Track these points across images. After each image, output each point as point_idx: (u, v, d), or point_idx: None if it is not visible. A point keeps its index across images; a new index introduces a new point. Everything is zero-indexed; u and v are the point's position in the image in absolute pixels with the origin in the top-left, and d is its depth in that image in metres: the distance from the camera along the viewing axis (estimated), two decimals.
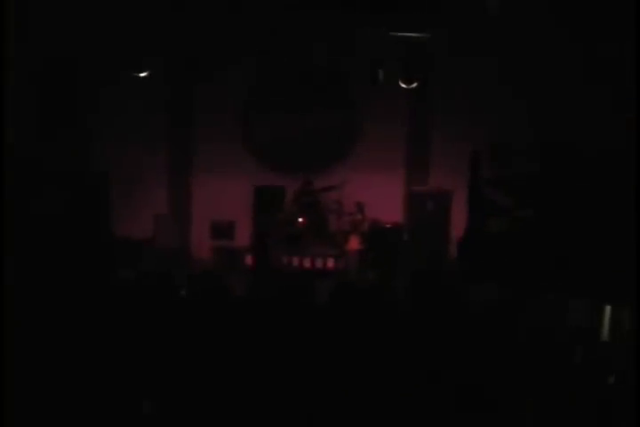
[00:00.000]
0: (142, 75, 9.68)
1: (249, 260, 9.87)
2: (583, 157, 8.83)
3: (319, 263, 9.83)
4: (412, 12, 9.08)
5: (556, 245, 8.34)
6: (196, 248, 10.63)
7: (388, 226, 10.18)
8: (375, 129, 10.67)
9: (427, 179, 10.84)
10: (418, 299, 5.29)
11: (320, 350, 4.35)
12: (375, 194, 10.26)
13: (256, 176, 10.80)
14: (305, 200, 10.36)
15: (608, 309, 4.88)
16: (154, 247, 10.06)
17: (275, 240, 9.96)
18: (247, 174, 10.76)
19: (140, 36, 9.43)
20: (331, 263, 9.84)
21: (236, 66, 10.23)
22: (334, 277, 9.17)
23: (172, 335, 4.46)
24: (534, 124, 9.79)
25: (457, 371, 4.22)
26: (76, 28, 9.16)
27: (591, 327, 4.84)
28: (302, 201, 10.36)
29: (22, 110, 8.55)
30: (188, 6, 9.13)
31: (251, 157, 10.93)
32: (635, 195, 6.38)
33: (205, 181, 10.88)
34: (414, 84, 9.98)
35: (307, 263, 9.80)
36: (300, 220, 10.14)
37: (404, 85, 9.98)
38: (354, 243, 10.03)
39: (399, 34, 9.52)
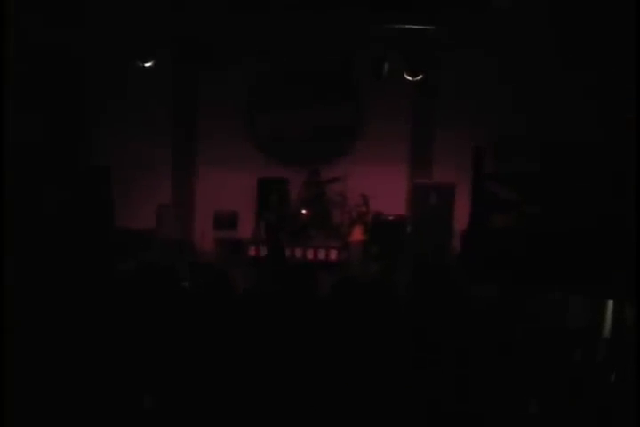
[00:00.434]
0: (147, 65, 9.64)
1: (252, 251, 9.89)
2: (584, 154, 8.82)
3: (322, 255, 9.83)
4: (418, 7, 9.04)
5: (558, 240, 8.34)
6: (199, 239, 10.65)
7: (391, 218, 10.18)
8: (379, 123, 10.67)
9: (430, 172, 10.83)
10: (420, 292, 5.29)
11: (322, 342, 4.36)
12: (379, 187, 10.26)
13: (259, 168, 10.81)
14: (312, 191, 10.38)
15: (610, 305, 4.88)
16: (157, 238, 10.07)
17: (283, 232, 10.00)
18: (250, 166, 10.77)
19: (145, 25, 9.41)
20: (334, 255, 9.85)
21: (240, 61, 10.23)
22: (337, 269, 9.18)
23: (174, 327, 4.47)
24: (536, 121, 9.76)
25: (457, 365, 4.23)
26: (80, 21, 9.14)
27: (592, 324, 4.84)
28: (310, 192, 10.37)
29: (24, 104, 8.53)
30: None
31: (254, 150, 10.95)
32: (635, 193, 6.37)
33: (208, 172, 10.89)
34: (419, 77, 9.94)
35: (310, 255, 9.81)
36: (304, 211, 10.15)
37: (409, 78, 9.94)
38: (357, 235, 10.03)
39: (404, 26, 9.48)
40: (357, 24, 9.32)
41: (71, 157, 10.07)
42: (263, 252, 9.77)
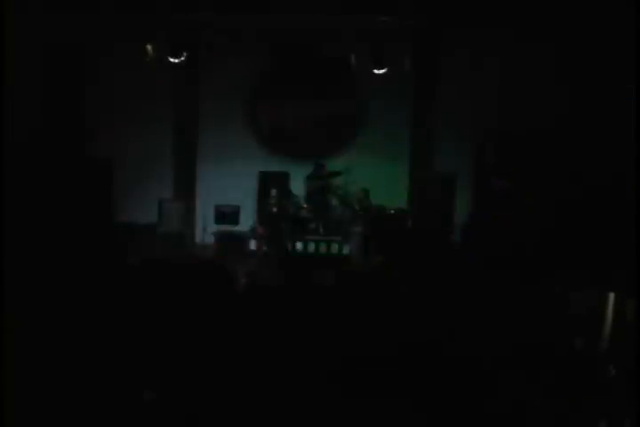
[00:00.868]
0: (150, 57, 9.62)
1: (253, 245, 9.89)
2: (585, 149, 8.81)
3: (323, 249, 9.83)
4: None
5: (559, 232, 8.35)
6: (201, 233, 10.64)
7: (392, 212, 10.18)
8: (380, 116, 10.66)
9: (431, 166, 10.83)
10: (420, 285, 5.30)
11: (322, 334, 4.37)
12: (380, 180, 10.24)
13: (261, 162, 10.81)
14: (315, 185, 10.39)
15: (611, 298, 4.89)
16: (158, 233, 10.07)
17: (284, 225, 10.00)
18: (252, 160, 10.77)
19: (148, 16, 9.41)
20: (335, 249, 9.84)
21: (242, 52, 10.23)
22: (338, 262, 9.18)
23: (176, 320, 4.48)
24: (536, 114, 9.74)
25: (458, 357, 4.24)
26: (82, 10, 9.13)
27: (593, 317, 4.84)
28: (314, 185, 10.38)
29: (27, 96, 8.52)
30: None
31: (256, 143, 10.95)
32: (635, 191, 6.37)
33: (209, 167, 10.89)
34: (420, 68, 9.95)
35: (311, 249, 9.81)
36: (305, 205, 10.15)
37: (409, 69, 9.93)
38: (358, 229, 10.02)
39: (404, 20, 9.48)
40: (357, 15, 9.31)
41: (72, 150, 10.06)
42: (264, 246, 9.78)
